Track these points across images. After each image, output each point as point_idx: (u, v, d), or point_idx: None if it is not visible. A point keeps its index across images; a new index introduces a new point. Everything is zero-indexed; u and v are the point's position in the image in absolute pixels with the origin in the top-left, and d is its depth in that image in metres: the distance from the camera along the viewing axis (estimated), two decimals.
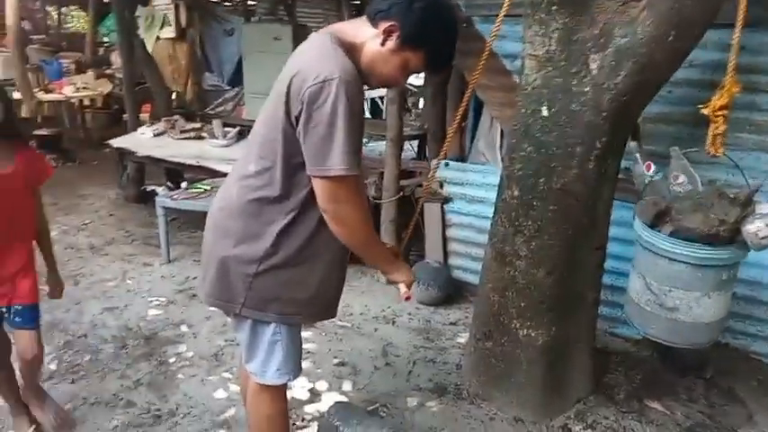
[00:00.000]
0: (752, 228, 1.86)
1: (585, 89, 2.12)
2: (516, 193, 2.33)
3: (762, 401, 2.59)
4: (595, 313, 2.59)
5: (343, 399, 2.55)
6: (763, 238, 1.84)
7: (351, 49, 1.58)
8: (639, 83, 2.08)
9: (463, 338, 3.08)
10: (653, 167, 2.07)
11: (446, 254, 3.64)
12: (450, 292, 3.51)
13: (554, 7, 2.11)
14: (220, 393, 2.58)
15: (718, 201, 1.82)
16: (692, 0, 1.93)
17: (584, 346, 2.54)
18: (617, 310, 3.10)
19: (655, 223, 1.95)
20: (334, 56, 1.52)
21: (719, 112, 2.11)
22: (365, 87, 1.62)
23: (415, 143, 5.39)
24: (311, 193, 1.59)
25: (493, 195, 3.21)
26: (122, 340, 2.99)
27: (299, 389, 2.59)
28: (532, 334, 2.39)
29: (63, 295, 2.31)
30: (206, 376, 2.71)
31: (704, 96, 2.74)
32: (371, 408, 2.50)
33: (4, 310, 2.09)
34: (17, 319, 2.09)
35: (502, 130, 3.36)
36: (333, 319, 3.18)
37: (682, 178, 1.98)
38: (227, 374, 2.72)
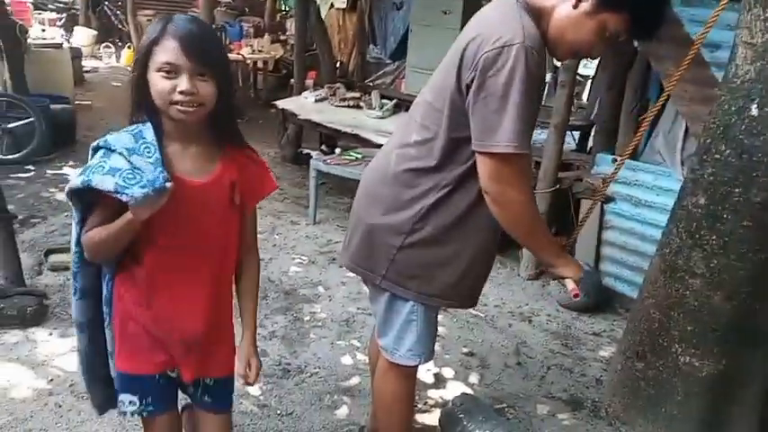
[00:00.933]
0: None
1: None
2: (702, 201, 2.02)
3: None
4: None
5: (469, 391, 2.44)
6: None
7: (540, 15, 1.43)
8: None
9: (606, 352, 2.82)
10: None
11: (598, 258, 3.34)
12: (598, 299, 3.21)
13: None
14: (347, 360, 2.60)
15: None
16: None
17: (758, 387, 2.17)
18: None
19: None
20: (519, 20, 1.38)
21: None
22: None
23: (576, 135, 5.04)
24: (471, 169, 1.47)
25: (664, 200, 2.89)
26: (263, 291, 3.13)
27: (424, 371, 2.52)
28: (696, 363, 2.09)
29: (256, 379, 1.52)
30: (336, 340, 2.74)
31: None
32: (499, 406, 2.36)
33: (189, 385, 1.43)
34: (207, 398, 1.46)
35: (686, 130, 2.97)
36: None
37: None
38: (356, 342, 2.73)
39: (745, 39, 1.91)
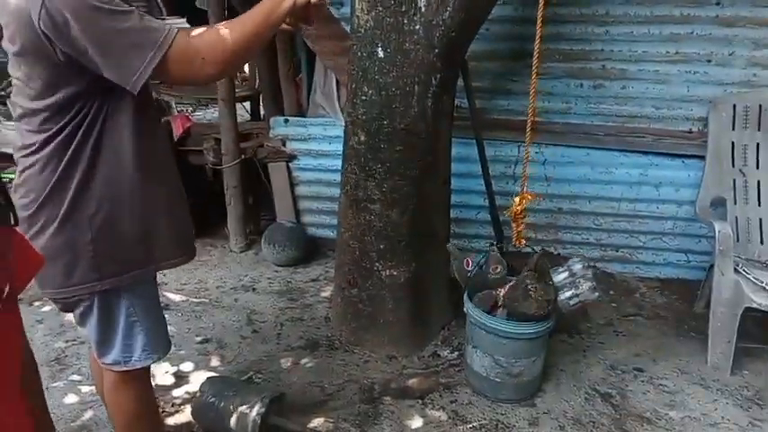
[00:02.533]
0: (563, 297, 2.23)
1: (417, 27, 2.15)
2: (363, 138, 2.33)
3: None
4: (448, 243, 2.74)
5: (214, 375, 2.43)
6: (573, 304, 2.23)
7: None
8: (464, 19, 2.16)
9: (327, 293, 3.08)
10: (471, 263, 2.41)
11: (298, 213, 3.57)
12: (308, 250, 3.47)
13: None
14: (72, 398, 2.31)
15: (537, 284, 2.11)
16: None
17: (442, 277, 2.67)
18: (464, 240, 3.32)
19: (491, 311, 2.26)
20: None
21: (519, 216, 2.51)
22: None
23: (248, 106, 5.18)
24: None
25: (337, 148, 3.21)
26: None
27: (162, 375, 2.41)
28: (395, 273, 2.46)
29: None
30: (51, 383, 2.40)
31: (517, 32, 2.98)
32: (245, 377, 2.41)
33: None
34: None
35: (338, 80, 3.33)
36: (188, 298, 3.05)
37: (499, 268, 2.34)
38: (75, 377, 2.44)
39: None
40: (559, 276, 2.24)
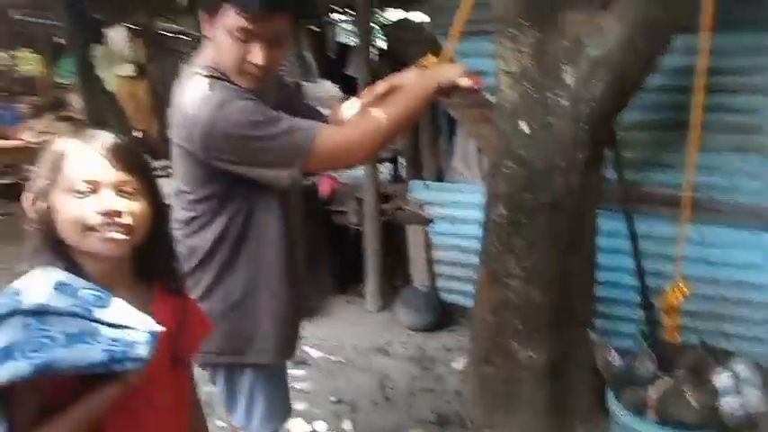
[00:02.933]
0: (725, 405, 1.93)
1: (563, 102, 2.10)
2: (504, 212, 2.29)
3: None
4: (591, 327, 2.56)
5: None
6: (739, 415, 1.92)
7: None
8: (614, 91, 2.07)
9: (460, 364, 3.02)
10: (616, 355, 2.22)
11: (433, 277, 3.58)
12: (442, 316, 3.44)
13: (524, 22, 2.10)
14: None
15: (695, 387, 1.90)
16: (658, 6, 1.94)
17: (584, 365, 2.49)
18: (609, 321, 3.08)
19: (640, 411, 2.04)
20: None
21: (673, 310, 2.25)
22: None
23: (388, 166, 5.35)
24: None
25: (475, 215, 3.19)
26: None
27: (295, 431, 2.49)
28: (532, 355, 2.34)
29: None
30: None
31: (674, 101, 2.79)
32: None
33: None
34: None
35: (479, 147, 3.34)
36: (325, 355, 3.14)
37: (649, 364, 2.14)
38: (219, 422, 2.60)
39: (504, 68, 2.22)
40: (722, 378, 1.97)
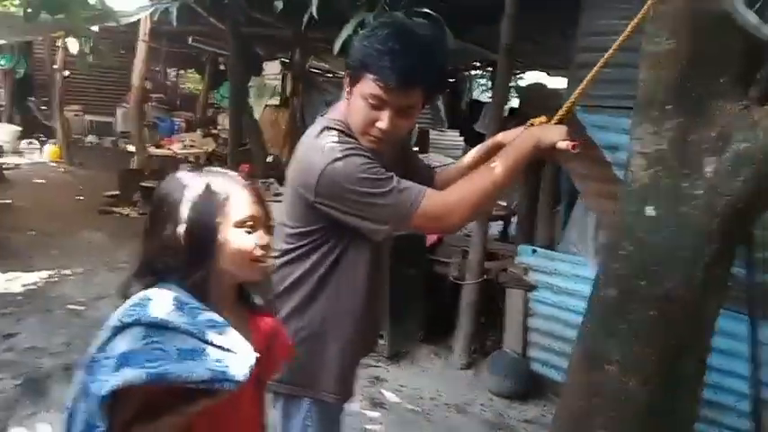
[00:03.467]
0: None
1: (698, 192, 1.99)
2: (613, 293, 2.19)
3: None
4: (692, 430, 2.34)
5: None
6: None
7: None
8: (759, 190, 1.94)
9: None
10: None
11: (526, 344, 3.46)
12: (529, 385, 3.31)
13: (669, 106, 2.03)
14: None
15: None
16: None
17: None
18: (713, 427, 2.81)
19: None
20: None
21: None
22: None
23: (498, 224, 5.30)
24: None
25: (582, 288, 3.08)
26: None
27: None
28: None
29: None
30: None
31: None
32: None
33: None
34: None
35: (597, 222, 3.23)
36: (403, 402, 3.12)
37: None
38: None
39: (639, 149, 2.16)
40: None
